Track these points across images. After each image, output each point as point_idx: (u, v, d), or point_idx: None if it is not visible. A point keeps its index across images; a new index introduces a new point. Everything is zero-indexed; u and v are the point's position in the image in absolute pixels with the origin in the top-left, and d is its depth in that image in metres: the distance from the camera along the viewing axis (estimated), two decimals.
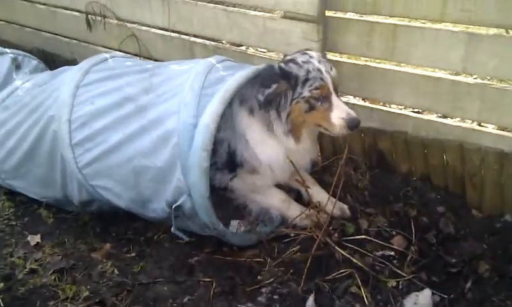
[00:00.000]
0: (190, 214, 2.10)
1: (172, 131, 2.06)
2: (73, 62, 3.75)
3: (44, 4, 3.80)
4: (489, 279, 2.05)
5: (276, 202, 2.37)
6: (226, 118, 2.17)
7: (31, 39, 4.02)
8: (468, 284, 2.05)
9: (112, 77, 2.38)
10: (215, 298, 1.98)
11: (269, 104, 2.17)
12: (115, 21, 3.35)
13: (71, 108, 2.28)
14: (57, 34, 3.87)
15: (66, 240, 2.35)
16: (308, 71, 2.14)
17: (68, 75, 2.41)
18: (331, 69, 2.19)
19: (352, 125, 2.13)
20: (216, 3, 2.86)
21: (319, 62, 2.17)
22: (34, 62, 3.21)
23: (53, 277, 2.07)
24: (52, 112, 2.33)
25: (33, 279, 2.06)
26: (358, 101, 2.77)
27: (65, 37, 3.83)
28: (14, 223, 2.45)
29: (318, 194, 2.38)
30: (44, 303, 1.94)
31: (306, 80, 2.13)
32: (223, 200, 2.30)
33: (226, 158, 2.25)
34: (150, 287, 2.04)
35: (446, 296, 2.01)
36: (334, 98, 2.16)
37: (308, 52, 2.24)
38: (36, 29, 3.99)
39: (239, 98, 2.20)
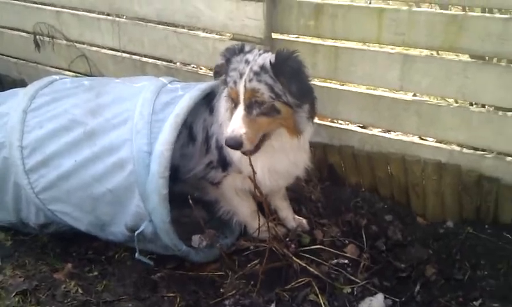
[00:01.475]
0: (151, 238, 2.14)
1: (126, 159, 2.10)
2: (21, 82, 3.76)
3: None
4: (436, 282, 2.25)
5: (245, 210, 2.41)
6: (211, 111, 2.25)
7: None
8: (417, 288, 2.23)
9: (58, 99, 2.37)
10: None
11: (217, 75, 2.20)
12: (64, 41, 3.34)
13: (21, 134, 2.27)
14: (4, 55, 3.81)
15: (26, 261, 2.30)
16: (234, 68, 2.08)
17: (16, 101, 2.38)
18: (250, 80, 2.01)
19: (228, 144, 2.01)
20: (166, 25, 2.93)
21: (251, 68, 2.03)
22: None
23: (16, 299, 2.03)
24: (1, 139, 2.31)
25: None
26: None
27: (13, 57, 3.78)
28: None
29: (284, 210, 2.53)
30: None
31: (230, 71, 2.09)
32: (183, 217, 2.35)
33: (217, 156, 2.26)
34: (114, 305, 2.06)
35: (397, 299, 2.18)
36: (238, 109, 2.03)
37: (253, 52, 2.12)
38: None
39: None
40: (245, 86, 1.99)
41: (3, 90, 3.11)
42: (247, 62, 2.05)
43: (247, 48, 2.14)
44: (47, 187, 2.24)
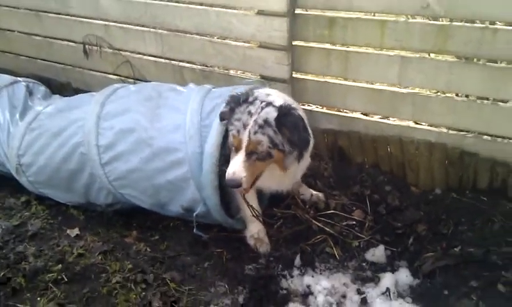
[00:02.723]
0: (203, 215, 2.63)
1: (183, 158, 2.56)
2: (67, 85, 4.22)
3: (41, 36, 4.17)
4: (426, 236, 2.68)
5: (247, 212, 2.68)
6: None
7: (26, 66, 4.39)
8: (410, 241, 2.69)
9: (124, 107, 2.82)
10: (227, 262, 2.59)
11: (222, 120, 2.45)
12: (110, 50, 3.78)
13: (97, 135, 2.75)
14: (52, 61, 4.25)
15: (99, 230, 2.81)
16: (238, 119, 2.31)
17: (90, 107, 2.86)
18: (255, 133, 2.24)
19: (229, 184, 2.25)
20: (202, 35, 3.33)
21: (255, 121, 2.25)
22: (42, 88, 3.57)
23: (99, 258, 2.57)
24: (79, 139, 2.79)
25: (83, 260, 2.55)
26: (321, 109, 3.30)
27: (60, 63, 4.21)
28: (52, 221, 2.90)
29: (305, 190, 2.99)
30: (97, 276, 2.47)
31: (234, 121, 2.33)
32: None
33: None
34: (176, 258, 2.61)
35: (395, 249, 2.66)
36: (239, 154, 2.27)
37: (255, 104, 2.32)
38: (31, 57, 4.36)
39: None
40: (249, 137, 2.24)
41: (53, 92, 3.66)
42: (250, 114, 2.27)
43: (250, 98, 2.36)
44: (118, 177, 2.73)
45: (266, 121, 2.27)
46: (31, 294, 2.38)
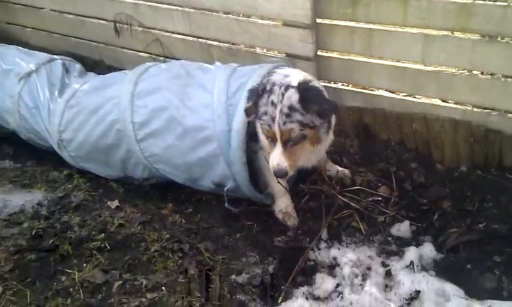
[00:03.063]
0: (233, 190, 2.79)
1: (211, 136, 2.71)
2: (100, 63, 4.39)
3: (73, 14, 4.32)
4: (450, 213, 2.79)
5: (275, 185, 2.80)
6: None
7: (59, 44, 4.56)
8: (435, 217, 2.79)
9: (156, 85, 2.96)
10: (258, 235, 2.75)
11: (248, 116, 2.52)
12: (140, 28, 3.90)
13: (131, 112, 2.90)
14: (85, 39, 4.41)
15: (138, 203, 2.99)
16: (264, 112, 2.37)
17: (123, 86, 3.01)
18: (284, 123, 2.31)
19: (277, 175, 2.42)
20: (228, 14, 3.41)
21: (281, 111, 2.31)
22: (77, 66, 3.70)
23: (139, 228, 2.74)
24: (115, 116, 2.96)
25: (123, 230, 2.73)
26: (346, 86, 3.33)
27: (93, 41, 4.37)
28: (93, 194, 3.08)
29: (331, 167, 3.10)
30: (137, 244, 2.65)
31: (262, 115, 2.40)
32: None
33: (253, 131, 2.69)
34: (210, 230, 2.78)
35: (420, 225, 2.76)
36: (277, 146, 2.37)
37: (275, 91, 2.35)
38: (64, 35, 4.53)
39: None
40: (280, 129, 2.32)
41: (87, 69, 3.79)
42: (273, 104, 2.33)
43: (268, 86, 2.40)
44: (153, 154, 2.90)
45: (291, 107, 2.32)
46: (78, 260, 2.57)
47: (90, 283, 2.44)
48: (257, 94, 2.42)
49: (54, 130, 3.18)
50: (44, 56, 3.69)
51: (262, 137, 2.59)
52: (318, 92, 2.44)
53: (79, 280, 2.44)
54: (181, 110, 2.81)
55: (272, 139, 2.39)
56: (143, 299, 2.34)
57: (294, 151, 2.41)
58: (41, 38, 4.71)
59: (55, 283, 2.45)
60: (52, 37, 4.63)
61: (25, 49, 3.90)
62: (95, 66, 4.34)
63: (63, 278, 2.48)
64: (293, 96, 2.34)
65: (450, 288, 2.29)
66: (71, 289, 2.41)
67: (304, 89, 2.36)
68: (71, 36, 4.51)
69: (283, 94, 2.34)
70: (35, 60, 3.58)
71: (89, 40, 4.42)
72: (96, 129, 3.04)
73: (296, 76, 2.49)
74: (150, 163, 2.94)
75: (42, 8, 4.53)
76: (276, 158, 2.35)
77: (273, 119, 2.33)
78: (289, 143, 2.37)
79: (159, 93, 2.91)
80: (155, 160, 2.92)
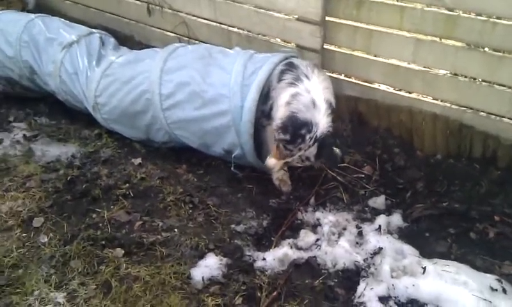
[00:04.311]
0: (240, 157, 3.24)
1: (227, 110, 3.10)
2: (131, 38, 4.84)
3: None
4: (421, 192, 3.21)
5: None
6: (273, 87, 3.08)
7: (95, 17, 5.04)
8: (408, 194, 3.22)
9: (182, 64, 3.40)
10: (256, 195, 3.24)
11: None
12: (170, 10, 4.37)
13: (159, 86, 3.33)
14: (119, 16, 4.88)
15: (157, 162, 3.45)
16: (290, 148, 2.85)
17: (154, 62, 3.46)
18: (297, 162, 2.95)
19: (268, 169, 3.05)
20: (249, 5, 3.85)
21: (300, 155, 2.86)
22: (112, 40, 4.15)
23: (158, 182, 3.24)
24: (145, 87, 3.40)
25: (144, 183, 3.24)
26: (346, 77, 3.71)
27: (126, 18, 4.83)
28: (119, 151, 3.59)
29: None
30: (156, 195, 3.16)
31: (287, 146, 2.85)
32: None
33: (268, 110, 3.09)
34: (216, 188, 3.26)
35: (393, 200, 3.20)
36: (279, 161, 2.96)
37: (306, 139, 2.80)
38: (100, 10, 5.01)
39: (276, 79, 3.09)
40: (291, 161, 2.95)
41: (118, 42, 4.22)
42: (300, 150, 2.85)
43: (303, 130, 2.80)
44: (174, 121, 3.35)
45: (307, 158, 2.89)
46: (106, 203, 3.10)
47: (116, 221, 2.98)
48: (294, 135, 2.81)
49: (91, 94, 3.69)
50: (84, 29, 4.16)
51: (272, 140, 3.02)
52: (331, 149, 2.98)
53: (107, 217, 2.99)
54: (202, 85, 3.24)
55: (279, 156, 2.90)
56: (159, 236, 2.87)
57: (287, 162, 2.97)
58: (79, 11, 5.20)
59: (87, 219, 3.00)
60: (89, 11, 5.12)
61: (66, 21, 4.36)
62: (126, 40, 4.77)
63: (94, 215, 3.03)
64: (313, 151, 2.85)
65: (407, 248, 2.77)
66: (100, 224, 2.96)
67: (323, 143, 2.84)
68: (106, 12, 4.99)
69: (309, 147, 2.83)
70: (76, 32, 4.06)
71: (123, 17, 4.89)
72: (128, 97, 3.52)
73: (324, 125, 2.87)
74: (171, 129, 3.42)
75: None
76: (271, 163, 2.93)
77: (291, 155, 2.87)
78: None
79: (184, 70, 3.37)
80: (176, 126, 3.40)
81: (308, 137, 2.78)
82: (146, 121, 3.53)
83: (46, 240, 2.82)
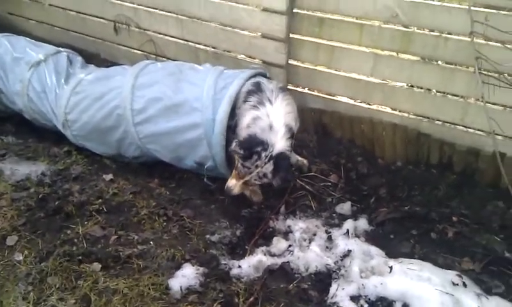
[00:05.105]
0: (211, 169, 3.34)
1: (199, 123, 3.18)
2: (97, 56, 4.88)
3: (75, 11, 4.84)
4: (384, 198, 3.38)
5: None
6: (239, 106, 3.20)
7: (60, 36, 5.04)
8: (372, 200, 3.40)
9: (153, 80, 3.49)
10: (228, 206, 3.33)
11: None
12: (137, 29, 4.44)
13: (131, 101, 3.41)
14: (85, 34, 4.91)
15: (129, 177, 3.50)
16: (247, 166, 2.96)
17: (126, 79, 3.53)
18: (254, 180, 3.03)
19: (226, 193, 3.12)
20: (216, 23, 3.99)
21: (257, 172, 2.97)
22: (79, 58, 4.19)
23: (130, 196, 3.29)
24: (117, 103, 3.46)
25: (117, 198, 3.28)
26: (310, 91, 3.90)
27: (92, 37, 4.87)
28: (90, 168, 3.61)
29: (293, 156, 3.58)
30: (129, 209, 3.21)
31: (245, 162, 2.98)
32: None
33: (233, 127, 3.19)
34: (190, 201, 3.34)
35: (359, 206, 3.37)
36: (239, 181, 3.05)
37: (262, 156, 2.93)
38: (65, 28, 5.02)
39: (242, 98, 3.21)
40: (248, 180, 3.03)
41: (85, 59, 4.27)
42: (256, 167, 2.96)
43: (259, 148, 2.93)
44: (146, 135, 3.41)
45: (265, 175, 2.99)
46: (80, 219, 3.12)
47: (91, 236, 3.01)
48: (250, 148, 2.95)
49: (61, 111, 3.71)
50: (51, 48, 4.19)
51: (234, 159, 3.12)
52: (288, 165, 3.07)
53: (82, 233, 3.02)
54: (174, 99, 3.33)
55: (238, 176, 3.02)
56: (135, 249, 2.92)
57: (246, 183, 3.08)
58: (44, 30, 5.19)
59: (62, 235, 3.01)
60: (54, 29, 5.12)
61: (32, 40, 4.39)
62: (92, 58, 4.79)
63: (68, 232, 3.05)
64: (270, 167, 2.96)
65: (374, 250, 2.95)
66: (75, 240, 2.98)
67: (279, 162, 2.96)
68: (71, 31, 5.02)
69: (265, 163, 2.95)
70: (43, 51, 4.09)
71: (89, 35, 4.93)
72: (99, 112, 3.56)
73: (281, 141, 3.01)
74: (142, 143, 3.48)
75: (51, 5, 4.99)
76: (230, 184, 3.05)
77: (249, 173, 2.97)
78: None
79: (156, 86, 3.45)
80: (148, 141, 3.46)
81: (263, 155, 2.93)
82: (118, 136, 3.58)
83: (21, 257, 2.82)
